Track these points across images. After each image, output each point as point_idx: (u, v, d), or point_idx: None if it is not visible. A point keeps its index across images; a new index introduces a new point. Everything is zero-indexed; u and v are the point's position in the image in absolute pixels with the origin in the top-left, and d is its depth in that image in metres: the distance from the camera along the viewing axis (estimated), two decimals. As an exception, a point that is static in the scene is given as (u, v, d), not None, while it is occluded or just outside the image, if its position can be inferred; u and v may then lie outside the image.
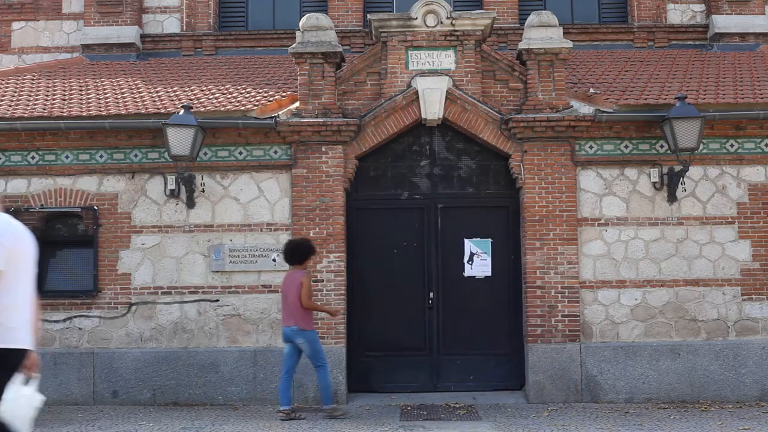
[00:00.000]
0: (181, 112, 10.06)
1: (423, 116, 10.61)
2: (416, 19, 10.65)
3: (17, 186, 10.69)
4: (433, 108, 10.55)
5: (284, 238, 10.46)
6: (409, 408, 9.80)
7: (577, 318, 10.31)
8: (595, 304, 10.41)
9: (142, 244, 10.56)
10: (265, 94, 11.05)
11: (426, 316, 10.72)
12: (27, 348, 4.64)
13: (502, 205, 10.90)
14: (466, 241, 10.79)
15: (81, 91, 11.60)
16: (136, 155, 10.67)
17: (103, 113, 10.44)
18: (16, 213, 10.55)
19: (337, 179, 10.52)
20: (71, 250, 10.89)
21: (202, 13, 14.06)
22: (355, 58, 11.13)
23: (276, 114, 10.55)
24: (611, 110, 10.35)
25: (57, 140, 10.64)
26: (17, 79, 12.33)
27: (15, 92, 11.59)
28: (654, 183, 10.50)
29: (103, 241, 10.56)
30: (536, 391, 10.25)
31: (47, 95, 11.41)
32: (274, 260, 10.43)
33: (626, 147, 10.58)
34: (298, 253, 9.45)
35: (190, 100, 10.83)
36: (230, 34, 14.06)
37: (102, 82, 12.08)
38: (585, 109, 10.51)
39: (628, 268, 10.46)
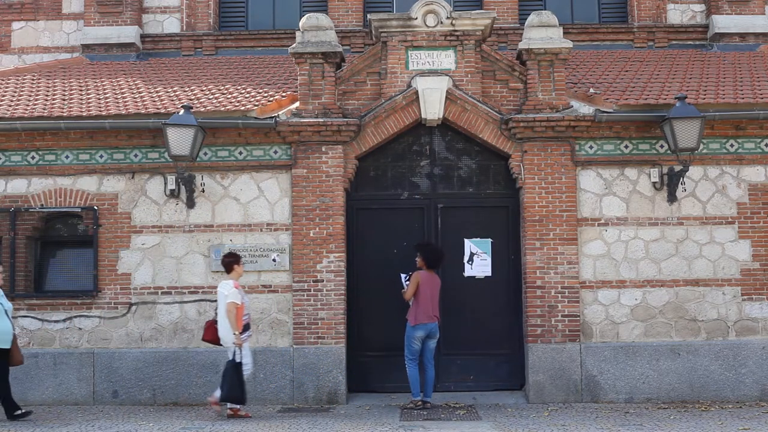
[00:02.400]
0: (181, 112, 10.06)
1: (423, 116, 10.61)
2: (416, 19, 10.65)
3: (17, 186, 10.68)
4: (433, 108, 10.55)
5: (284, 238, 10.47)
6: (409, 408, 9.79)
7: (577, 318, 10.31)
8: (595, 304, 10.41)
9: (142, 244, 10.56)
10: (265, 94, 11.05)
11: (426, 316, 10.72)
12: None
13: (502, 205, 10.90)
14: (466, 241, 10.79)
15: (81, 91, 11.60)
16: (136, 155, 10.67)
17: (103, 113, 10.44)
18: (16, 213, 10.58)
19: (337, 179, 10.52)
20: (71, 250, 10.91)
21: (202, 13, 14.07)
22: (355, 58, 11.13)
23: (276, 114, 10.55)
24: (611, 110, 10.35)
25: (57, 140, 10.64)
26: (17, 79, 12.34)
27: (15, 92, 11.60)
28: (654, 183, 10.50)
29: (103, 241, 10.56)
30: (536, 391, 10.25)
31: (47, 95, 11.41)
32: (274, 260, 10.44)
33: (626, 147, 10.58)
34: (442, 257, 10.06)
35: (190, 100, 10.83)
36: (230, 34, 14.07)
37: (102, 82, 12.08)
38: (585, 109, 10.52)
39: (628, 268, 10.46)
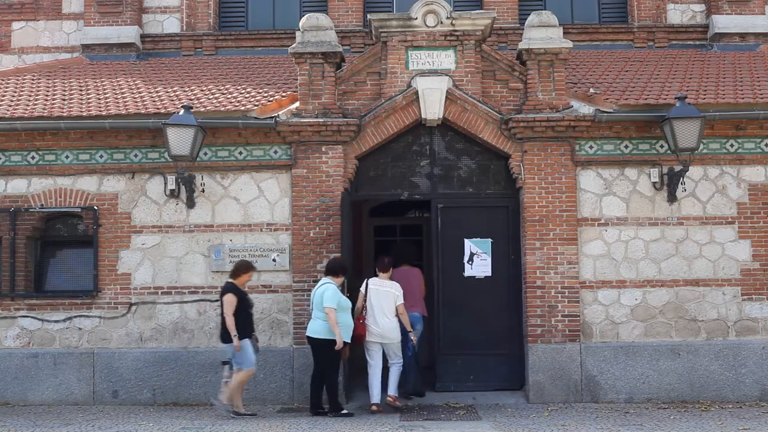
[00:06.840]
0: (181, 112, 10.06)
1: (423, 116, 10.61)
2: (416, 19, 10.65)
3: (17, 186, 10.69)
4: (433, 108, 10.55)
5: (284, 238, 10.47)
6: (408, 408, 9.79)
7: (577, 318, 10.31)
8: (595, 304, 10.41)
9: (142, 244, 10.56)
10: (265, 94, 11.05)
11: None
12: None
13: (502, 205, 10.90)
14: (466, 241, 10.78)
15: (81, 91, 11.60)
16: (136, 155, 10.67)
17: (103, 113, 10.44)
18: (16, 213, 10.58)
19: (337, 179, 10.52)
20: (71, 250, 10.90)
21: (202, 13, 14.07)
22: (355, 58, 11.13)
23: (276, 114, 10.55)
24: (611, 110, 10.35)
25: (57, 140, 10.64)
26: (17, 79, 12.34)
27: (15, 92, 11.60)
28: (654, 183, 10.50)
29: (103, 241, 10.56)
30: (536, 391, 10.25)
31: (47, 95, 11.41)
32: (274, 260, 10.43)
33: (626, 147, 10.58)
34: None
35: (190, 100, 10.83)
36: (230, 34, 14.08)
37: (102, 82, 12.08)
38: (585, 109, 10.52)
39: (628, 268, 10.46)
